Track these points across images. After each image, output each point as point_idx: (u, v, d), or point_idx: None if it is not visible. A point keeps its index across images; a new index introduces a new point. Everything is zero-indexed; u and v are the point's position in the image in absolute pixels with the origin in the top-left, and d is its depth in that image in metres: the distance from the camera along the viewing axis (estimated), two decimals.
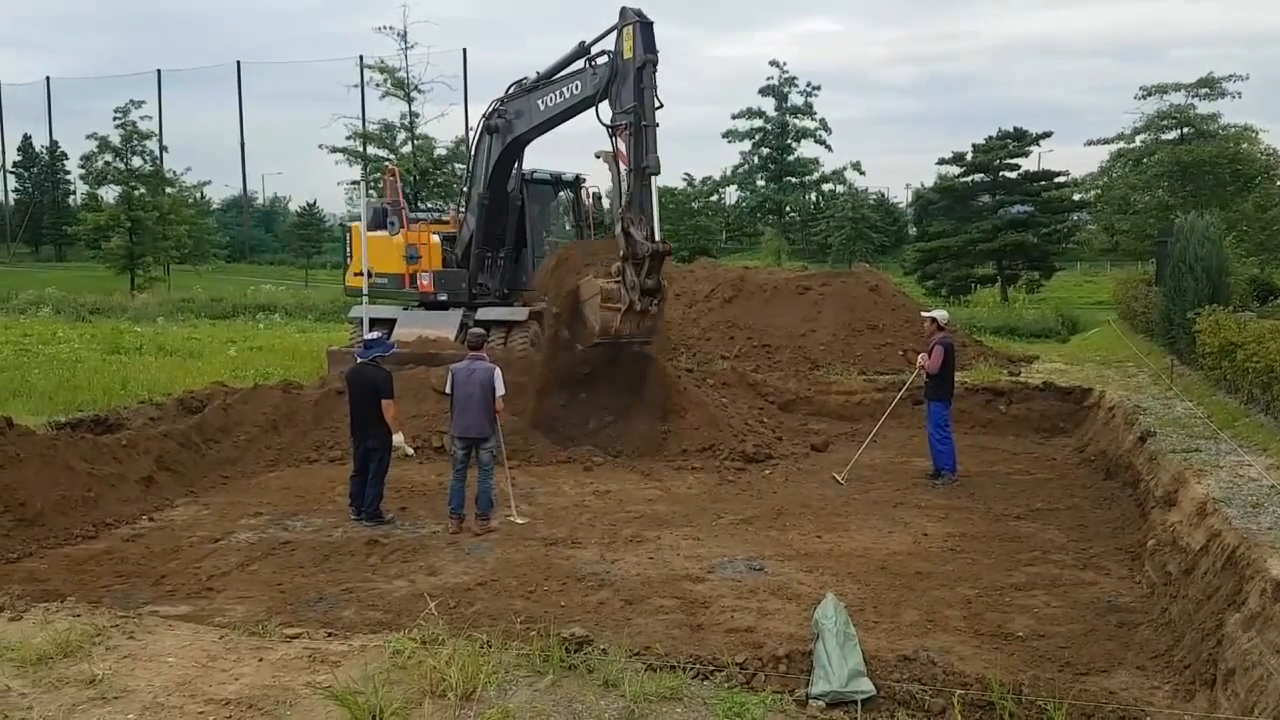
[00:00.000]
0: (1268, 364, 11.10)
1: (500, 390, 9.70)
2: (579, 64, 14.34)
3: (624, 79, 13.48)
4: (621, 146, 13.51)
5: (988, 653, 6.56)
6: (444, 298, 16.73)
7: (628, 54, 13.40)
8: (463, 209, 17.41)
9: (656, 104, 13.44)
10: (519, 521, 9.86)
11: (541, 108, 15.04)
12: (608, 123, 13.64)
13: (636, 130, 13.27)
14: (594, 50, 14.06)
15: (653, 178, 13.61)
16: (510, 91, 15.81)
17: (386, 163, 42.30)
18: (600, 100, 13.73)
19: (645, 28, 13.42)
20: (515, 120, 15.63)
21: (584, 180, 18.41)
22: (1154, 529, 8.54)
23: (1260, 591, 5.85)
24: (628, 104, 13.36)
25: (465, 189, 17.16)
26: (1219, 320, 13.45)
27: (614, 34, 13.60)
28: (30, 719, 5.02)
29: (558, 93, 14.69)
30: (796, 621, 6.95)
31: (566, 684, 5.41)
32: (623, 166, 13.53)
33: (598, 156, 14.09)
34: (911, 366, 13.10)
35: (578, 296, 13.70)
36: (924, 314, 13.19)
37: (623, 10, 13.47)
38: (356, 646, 5.97)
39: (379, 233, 17.37)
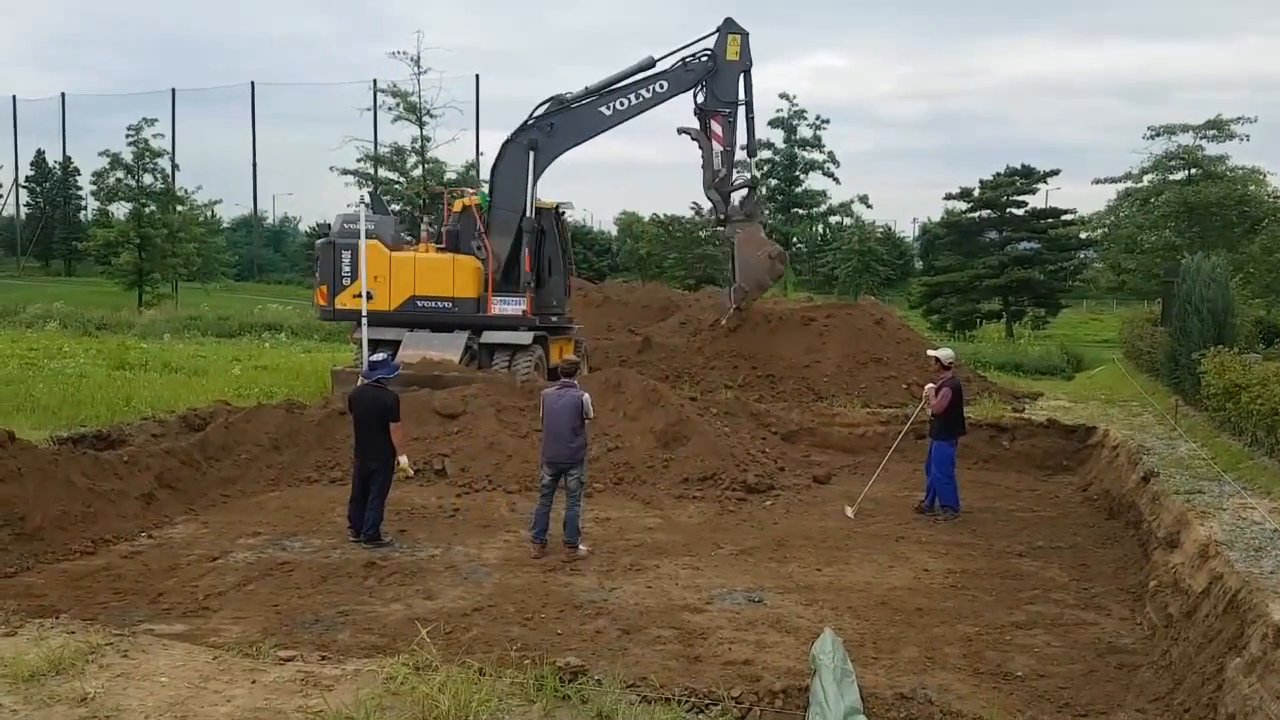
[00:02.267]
0: (1272, 406, 11.06)
1: (589, 414, 9.67)
2: (660, 67, 17.19)
3: (721, 74, 17.20)
4: (717, 129, 17.34)
5: (986, 692, 6.51)
6: (538, 320, 16.84)
7: (731, 56, 17.13)
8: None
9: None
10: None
11: (607, 113, 17.15)
12: (700, 106, 17.32)
13: (735, 121, 17.40)
14: (679, 59, 17.21)
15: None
16: (546, 109, 16.60)
17: (400, 184, 42.58)
18: (684, 93, 17.16)
19: (746, 38, 17.26)
20: (558, 134, 16.96)
21: (564, 211, 18.86)
22: (1156, 570, 8.49)
23: (1262, 636, 5.80)
24: (728, 96, 17.27)
25: (486, 213, 17.16)
26: (1224, 362, 13.42)
27: (711, 38, 17.30)
28: None
29: (633, 95, 17.17)
30: (795, 655, 6.90)
31: (560, 714, 5.37)
32: (717, 145, 17.37)
33: (681, 133, 17.64)
34: (918, 400, 13.08)
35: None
36: (930, 352, 13.16)
37: (729, 20, 17.24)
38: (350, 670, 5.94)
39: (444, 253, 17.20)
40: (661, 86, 17.08)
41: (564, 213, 18.84)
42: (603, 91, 16.98)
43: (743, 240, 18.26)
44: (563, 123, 16.83)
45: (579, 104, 16.88)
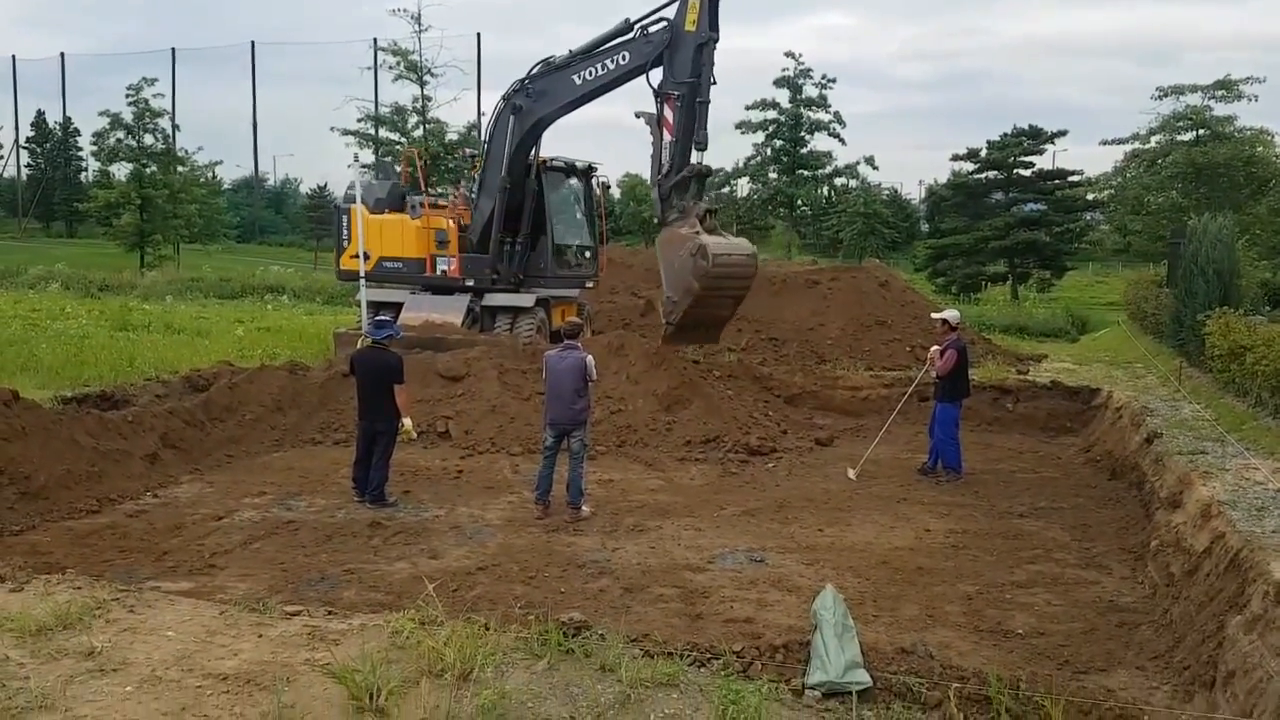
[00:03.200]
0: (1277, 368, 11.05)
1: (593, 375, 9.67)
2: (626, 36, 14.70)
3: (679, 48, 13.96)
4: (668, 115, 14.04)
5: (986, 649, 6.55)
6: (470, 283, 16.82)
7: (689, 26, 13.85)
8: (474, 193, 17.40)
9: (711, 81, 13.95)
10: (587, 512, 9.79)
11: (578, 82, 15.33)
12: (656, 88, 14.15)
13: (690, 105, 13.83)
14: (638, 26, 14.49)
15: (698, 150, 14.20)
16: (535, 71, 15.92)
17: (401, 145, 42.36)
18: (649, 69, 14.26)
19: (712, 4, 13.95)
20: (541, 99, 15.82)
21: (595, 170, 18.52)
22: (1158, 530, 8.50)
23: (1262, 594, 5.82)
24: (682, 76, 13.89)
25: (479, 173, 17.11)
26: (1229, 323, 13.39)
27: (673, 5, 14.05)
28: (28, 689, 5.04)
29: (599, 66, 15.04)
30: (796, 613, 6.94)
31: (564, 668, 5.41)
32: (666, 135, 14.08)
33: (638, 116, 14.55)
34: (921, 363, 13.03)
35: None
36: (934, 315, 13.08)
37: None
38: (356, 625, 5.98)
39: (395, 215, 17.35)
40: (624, 58, 14.66)
41: (595, 169, 18.61)
42: (579, 58, 15.40)
43: (663, 243, 14.31)
44: (543, 88, 15.77)
45: (558, 70, 15.67)
